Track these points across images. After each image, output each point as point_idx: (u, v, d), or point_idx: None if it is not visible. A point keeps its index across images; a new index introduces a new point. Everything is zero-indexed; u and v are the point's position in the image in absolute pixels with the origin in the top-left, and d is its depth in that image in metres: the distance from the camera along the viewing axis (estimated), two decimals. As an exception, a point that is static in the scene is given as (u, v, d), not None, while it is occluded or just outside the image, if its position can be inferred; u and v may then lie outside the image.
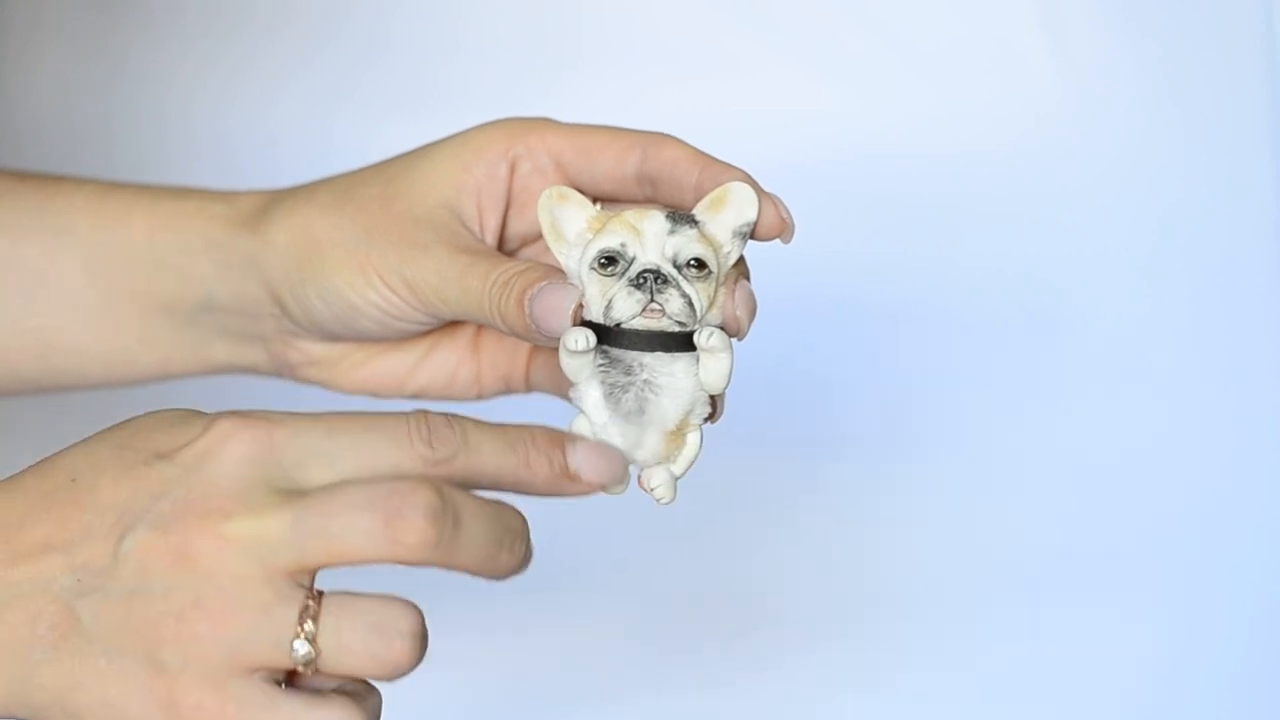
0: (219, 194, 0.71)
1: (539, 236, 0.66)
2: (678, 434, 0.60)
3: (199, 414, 0.55)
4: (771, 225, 0.61)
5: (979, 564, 1.03)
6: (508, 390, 0.70)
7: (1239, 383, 1.05)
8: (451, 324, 0.69)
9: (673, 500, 0.60)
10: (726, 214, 0.61)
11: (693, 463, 0.61)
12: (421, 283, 0.64)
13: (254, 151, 1.02)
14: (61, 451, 0.56)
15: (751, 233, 0.61)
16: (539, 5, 1.04)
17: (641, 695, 0.99)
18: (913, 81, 1.05)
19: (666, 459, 0.60)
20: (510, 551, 0.55)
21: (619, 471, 0.57)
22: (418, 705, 0.98)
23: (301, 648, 0.52)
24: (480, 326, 0.69)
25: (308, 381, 0.71)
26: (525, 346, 0.69)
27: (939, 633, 1.02)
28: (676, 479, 0.61)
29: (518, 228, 0.67)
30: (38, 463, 0.56)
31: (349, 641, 0.53)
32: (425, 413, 0.54)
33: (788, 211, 0.62)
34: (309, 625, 0.52)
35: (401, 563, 0.53)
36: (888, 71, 1.05)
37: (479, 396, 0.71)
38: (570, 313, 0.60)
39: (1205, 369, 1.05)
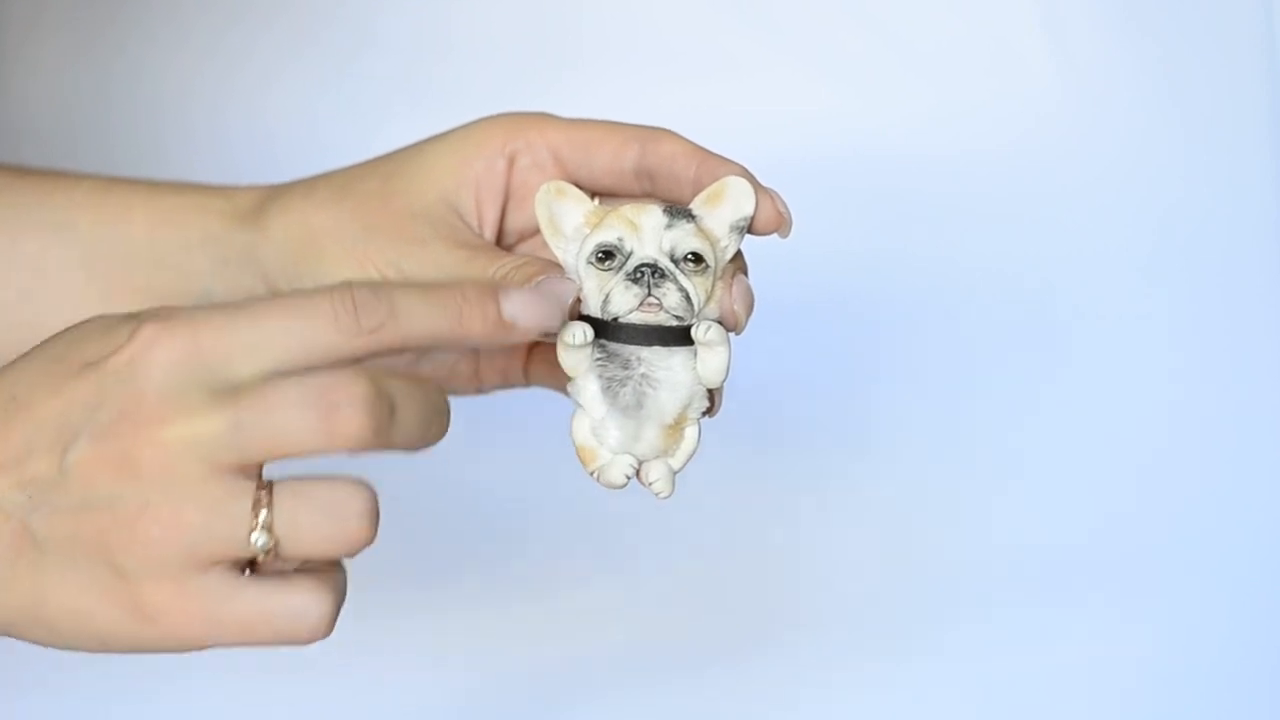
0: (217, 189, 0.72)
1: (537, 231, 0.66)
2: (676, 428, 0.60)
3: (125, 318, 0.55)
4: (769, 220, 0.61)
5: (978, 563, 1.03)
6: (506, 384, 0.71)
7: (1239, 382, 1.05)
8: None
9: (671, 494, 0.61)
10: (724, 208, 0.61)
11: (691, 456, 0.61)
12: (419, 277, 0.64)
13: (251, 146, 1.02)
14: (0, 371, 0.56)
15: (749, 227, 0.61)
16: (539, 3, 1.05)
17: (636, 694, 0.99)
18: (913, 81, 1.05)
19: (665, 453, 0.61)
20: (437, 428, 0.55)
21: (556, 314, 0.58)
22: (416, 705, 0.98)
23: (259, 538, 0.53)
24: None
25: None
26: (523, 346, 0.69)
27: (937, 631, 1.01)
28: (675, 473, 0.61)
29: (516, 222, 0.67)
30: None
31: (304, 526, 0.54)
32: (349, 285, 0.54)
33: (785, 206, 0.62)
34: (263, 514, 0.53)
35: (341, 452, 0.53)
36: (888, 71, 1.05)
37: (478, 391, 0.71)
38: (568, 307, 0.60)
39: (1205, 369, 1.05)
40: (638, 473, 0.61)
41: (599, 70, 1.05)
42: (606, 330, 0.60)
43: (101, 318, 0.56)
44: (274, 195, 0.69)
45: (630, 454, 0.60)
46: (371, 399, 0.53)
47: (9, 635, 0.56)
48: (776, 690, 1.00)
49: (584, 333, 0.59)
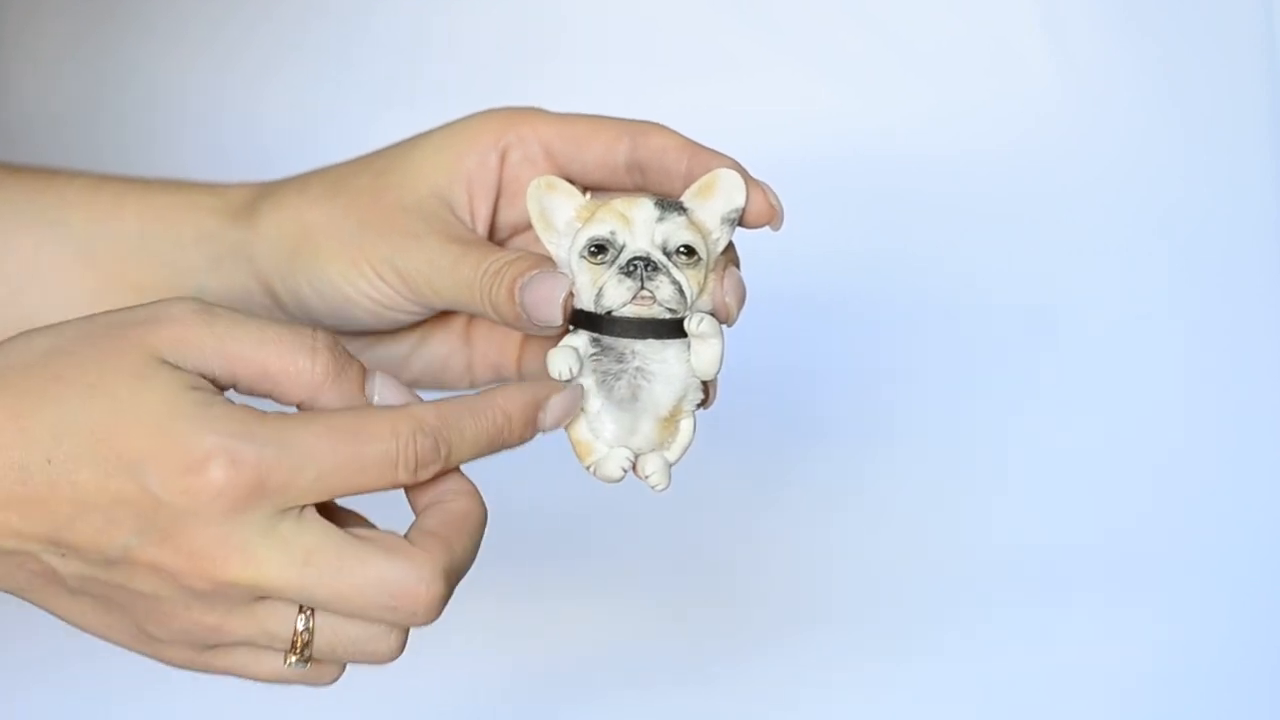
0: (210, 186, 0.72)
1: (529, 225, 0.66)
2: (671, 420, 0.60)
3: (184, 424, 0.54)
4: (761, 212, 0.61)
5: (977, 563, 1.03)
6: (499, 379, 0.71)
7: (1239, 381, 1.04)
8: (443, 314, 0.69)
9: (668, 486, 0.61)
10: (715, 200, 0.61)
11: (686, 449, 0.61)
12: (413, 273, 0.64)
13: (245, 143, 1.02)
14: (21, 400, 0.55)
15: (740, 219, 0.61)
16: (537, 2, 1.05)
17: (637, 694, 0.99)
18: (913, 81, 1.05)
19: (660, 446, 0.61)
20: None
21: (576, 406, 0.60)
22: (416, 706, 0.98)
23: (292, 661, 0.56)
24: (472, 316, 0.69)
25: None
26: (516, 335, 0.69)
27: (937, 631, 1.01)
28: (671, 465, 0.61)
29: (509, 217, 0.67)
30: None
31: (338, 654, 0.56)
32: (414, 437, 0.55)
33: (777, 199, 0.62)
34: (301, 641, 0.55)
35: None
36: (888, 71, 1.05)
37: (471, 385, 0.71)
38: (561, 302, 0.60)
39: (1205, 368, 1.05)
40: (634, 466, 0.61)
41: (598, 69, 1.05)
42: (600, 324, 0.60)
43: (153, 398, 0.54)
44: (266, 192, 0.69)
45: (626, 447, 0.60)
46: (445, 596, 0.56)
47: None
48: (777, 690, 1.00)
49: (570, 369, 0.60)
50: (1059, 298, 1.05)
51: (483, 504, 0.58)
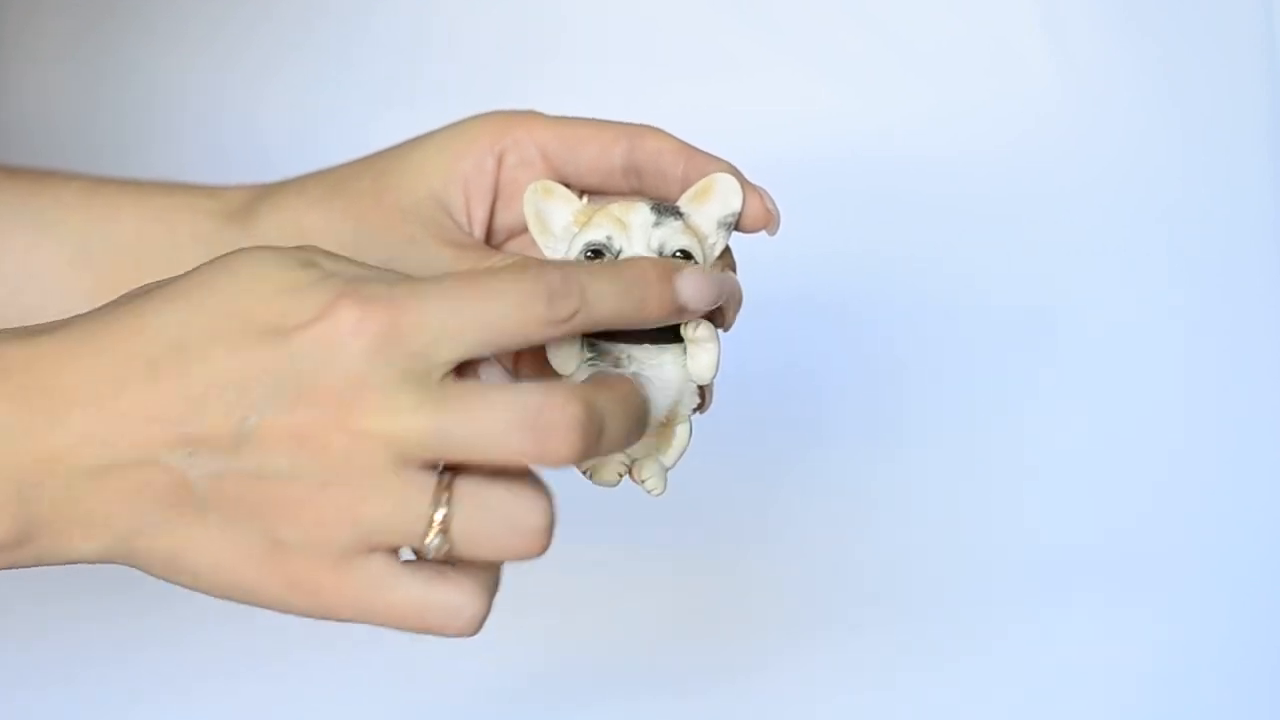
0: (207, 188, 0.72)
1: (526, 229, 0.66)
2: (667, 426, 0.60)
3: (308, 281, 0.53)
4: (757, 217, 0.61)
5: (977, 563, 1.03)
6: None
7: (1239, 381, 1.04)
8: None
9: (664, 491, 0.61)
10: (711, 205, 0.61)
11: (683, 453, 0.61)
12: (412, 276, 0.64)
13: (243, 144, 1.02)
14: (143, 304, 0.54)
15: (736, 224, 0.61)
16: (536, 2, 1.05)
17: (636, 694, 0.99)
18: (913, 81, 1.05)
19: (656, 451, 0.61)
20: (636, 436, 0.56)
21: (719, 295, 0.58)
22: (417, 706, 0.98)
23: (434, 541, 0.52)
24: None
25: None
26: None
27: (936, 631, 1.01)
28: (667, 470, 0.61)
29: (505, 220, 0.67)
30: (108, 313, 0.54)
31: (481, 534, 0.53)
32: (542, 269, 0.53)
33: (773, 203, 0.62)
34: (442, 514, 0.52)
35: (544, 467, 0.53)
36: (888, 71, 1.05)
37: None
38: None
39: (1205, 369, 1.05)
40: (630, 471, 0.61)
41: (597, 69, 1.05)
42: (629, 336, 0.60)
43: (277, 264, 0.53)
44: (264, 194, 0.69)
45: (622, 452, 0.60)
46: (585, 422, 0.52)
47: (134, 567, 0.55)
48: (779, 692, 1.00)
49: (573, 362, 0.59)
50: (1058, 298, 1.05)
51: (642, 392, 0.56)
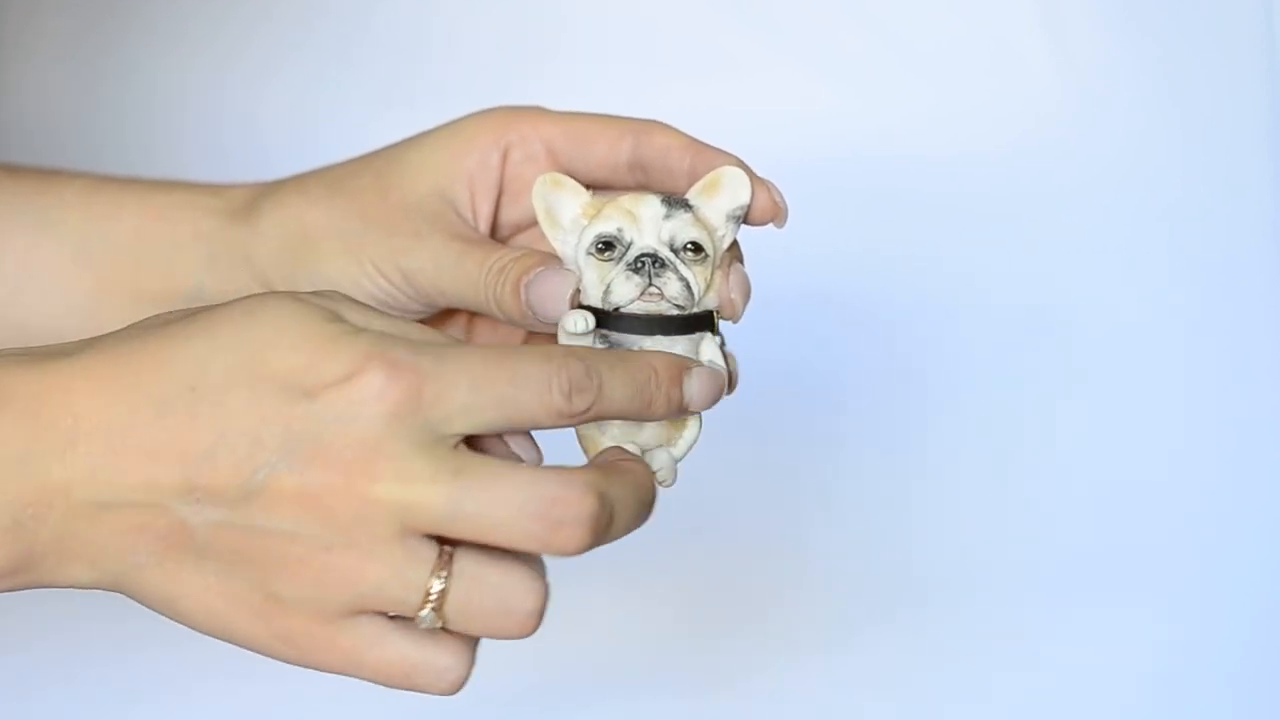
0: (208, 187, 0.72)
1: (532, 224, 0.66)
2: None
3: (335, 337, 0.53)
4: (765, 209, 0.62)
5: (977, 561, 1.02)
6: None
7: (1239, 382, 1.04)
8: (444, 313, 0.69)
9: (673, 483, 0.61)
10: (720, 198, 0.61)
11: (692, 446, 0.61)
12: (417, 271, 0.64)
13: (244, 143, 1.02)
14: (162, 339, 0.53)
15: (745, 217, 0.62)
16: (537, 2, 1.05)
17: (641, 694, 0.99)
18: (913, 81, 1.05)
19: (666, 443, 0.61)
20: (643, 521, 0.56)
21: (720, 392, 0.59)
22: (417, 706, 0.98)
23: (427, 615, 0.53)
24: (473, 315, 0.69)
25: None
26: (520, 334, 0.69)
27: (935, 629, 1.01)
28: (676, 462, 0.61)
29: (510, 215, 0.67)
30: (125, 344, 0.53)
31: (474, 611, 0.53)
32: (566, 359, 0.54)
33: (781, 196, 0.62)
34: (437, 587, 0.53)
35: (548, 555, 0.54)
36: (888, 71, 1.05)
37: None
38: (568, 298, 0.60)
39: (1205, 368, 1.05)
40: None
41: (598, 69, 1.05)
42: (608, 320, 0.60)
43: (306, 322, 0.53)
44: (266, 192, 0.69)
45: (633, 443, 0.60)
46: (598, 517, 0.53)
47: (129, 597, 0.55)
48: (782, 691, 1.00)
49: (585, 320, 0.59)
50: (1059, 297, 1.05)
51: (652, 478, 0.57)
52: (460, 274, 0.63)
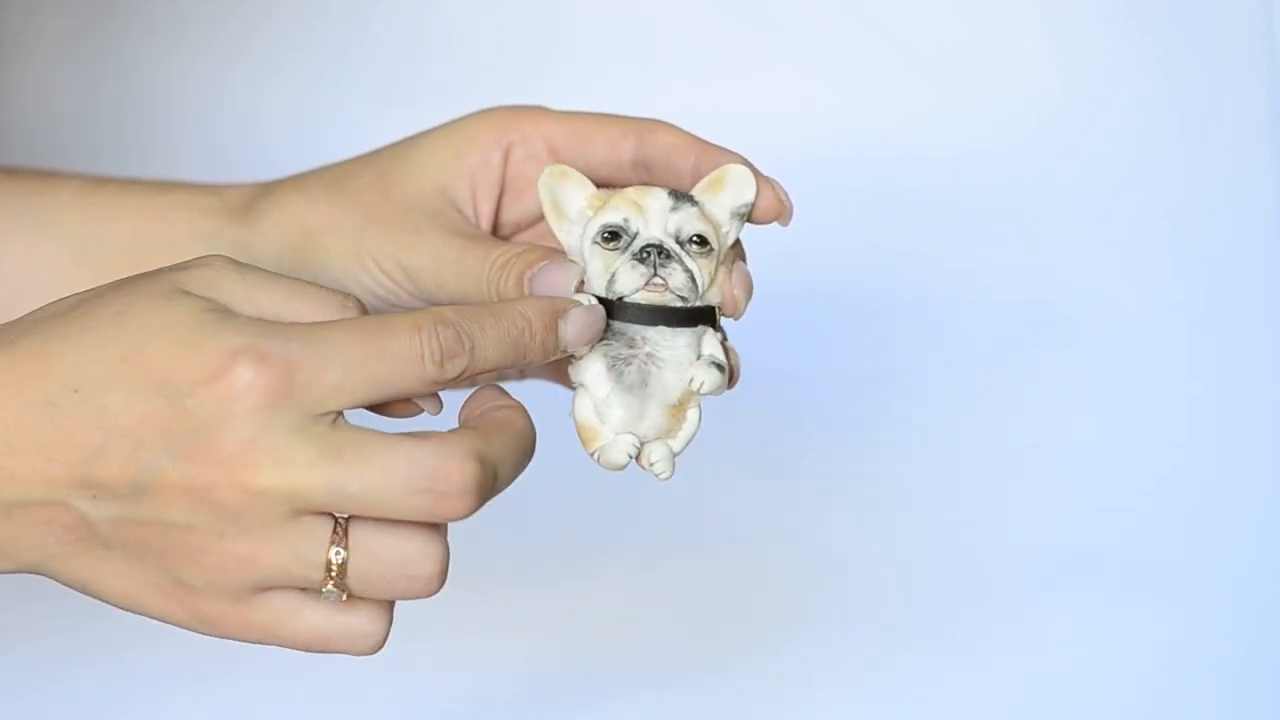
0: (207, 187, 0.72)
1: (533, 223, 0.67)
2: (679, 408, 0.61)
3: (209, 333, 0.53)
4: (770, 207, 0.62)
5: (977, 562, 1.02)
6: (501, 378, 0.71)
7: (1240, 381, 1.04)
8: None
9: (671, 475, 0.61)
10: (725, 195, 0.62)
11: (691, 439, 0.61)
12: (418, 268, 0.64)
13: (244, 143, 1.02)
14: (46, 338, 0.55)
15: (749, 214, 0.62)
16: (537, 1, 1.05)
17: (635, 688, 0.99)
18: (913, 81, 1.05)
19: (667, 434, 0.61)
20: (525, 466, 0.57)
21: (600, 325, 0.59)
22: (418, 706, 0.98)
23: (330, 591, 0.54)
24: None
25: None
26: None
27: (936, 629, 1.01)
28: (675, 455, 0.61)
29: (512, 214, 0.67)
30: (14, 343, 0.55)
31: (374, 579, 0.54)
32: (435, 327, 0.54)
33: (786, 194, 0.62)
34: (336, 560, 0.54)
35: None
36: (888, 71, 1.05)
37: (471, 384, 0.71)
38: (573, 289, 0.60)
39: (1206, 368, 1.05)
40: (638, 456, 0.61)
41: (598, 69, 1.05)
42: (612, 309, 0.60)
43: (177, 316, 0.54)
44: (266, 192, 0.69)
45: (633, 434, 0.60)
46: (480, 480, 0.54)
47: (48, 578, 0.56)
48: (780, 689, 1.00)
49: (589, 301, 0.60)
50: (1059, 297, 1.05)
51: (529, 421, 0.57)
52: (462, 269, 0.63)
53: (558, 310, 0.58)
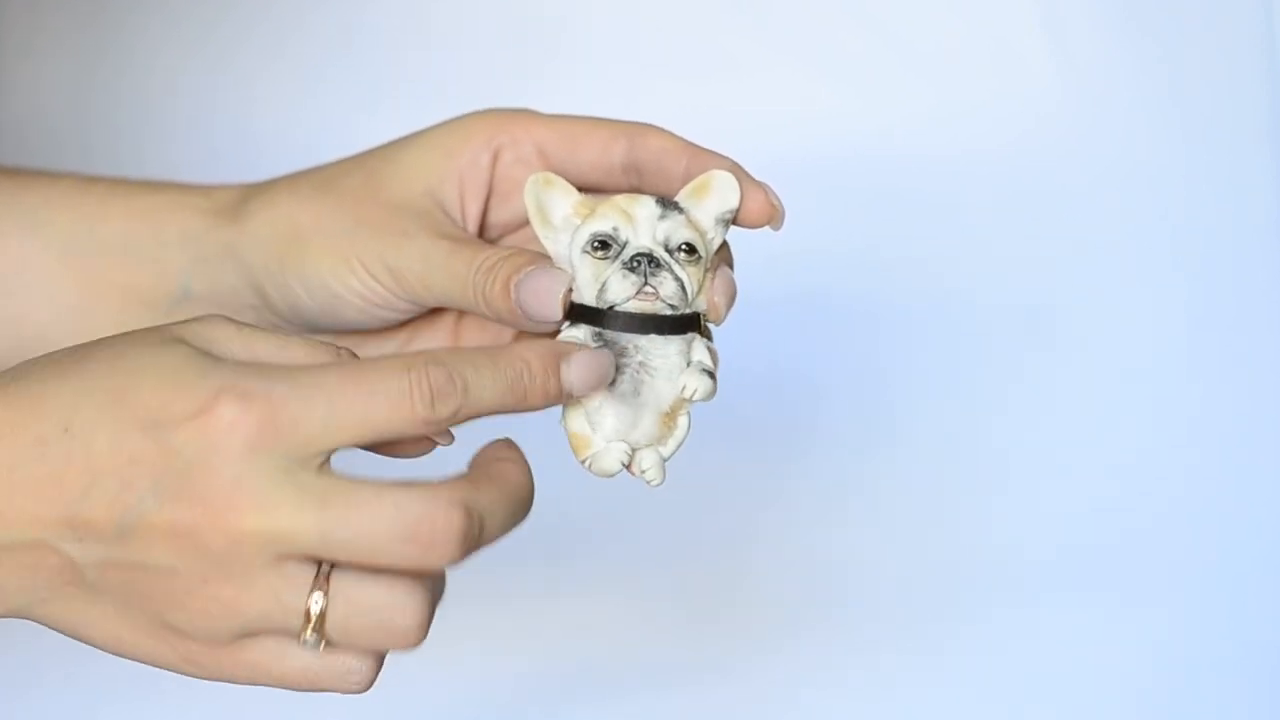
0: (197, 187, 0.72)
1: (520, 226, 0.67)
2: (671, 415, 0.61)
3: (196, 374, 0.54)
4: (761, 211, 0.62)
5: (977, 562, 1.02)
6: None
7: (1240, 381, 1.04)
8: (432, 312, 0.69)
9: (662, 482, 0.61)
10: (710, 200, 0.62)
11: (681, 444, 0.61)
12: (406, 270, 0.64)
13: (235, 145, 1.02)
14: (42, 380, 0.55)
15: (734, 219, 0.62)
16: (535, 2, 1.05)
17: (634, 691, 0.99)
18: (913, 81, 1.05)
19: (659, 441, 0.61)
20: (520, 521, 0.57)
21: (607, 372, 0.58)
22: (417, 706, 0.98)
23: (310, 638, 0.54)
24: (461, 314, 0.70)
25: None
26: (509, 332, 0.69)
27: (937, 629, 1.01)
28: (666, 461, 0.61)
29: (499, 217, 0.67)
30: (8, 386, 0.55)
31: (355, 629, 0.54)
32: (426, 368, 0.54)
33: (777, 198, 0.62)
34: (317, 607, 0.54)
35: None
36: (888, 71, 1.05)
37: None
38: (560, 296, 0.60)
39: (1206, 368, 1.04)
40: (629, 462, 0.61)
41: (597, 69, 1.05)
42: (602, 318, 0.60)
43: (167, 358, 0.54)
44: (255, 192, 0.69)
45: (625, 441, 0.60)
46: (466, 530, 0.53)
47: (36, 623, 0.56)
48: (780, 690, 1.00)
49: (582, 340, 0.60)
50: (1059, 296, 1.05)
51: (527, 476, 0.57)
52: (449, 272, 0.63)
53: (559, 354, 0.57)
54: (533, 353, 0.57)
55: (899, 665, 1.00)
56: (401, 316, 0.67)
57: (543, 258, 0.61)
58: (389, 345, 0.70)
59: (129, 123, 1.04)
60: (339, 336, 0.69)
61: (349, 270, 0.65)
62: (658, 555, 1.01)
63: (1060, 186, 1.05)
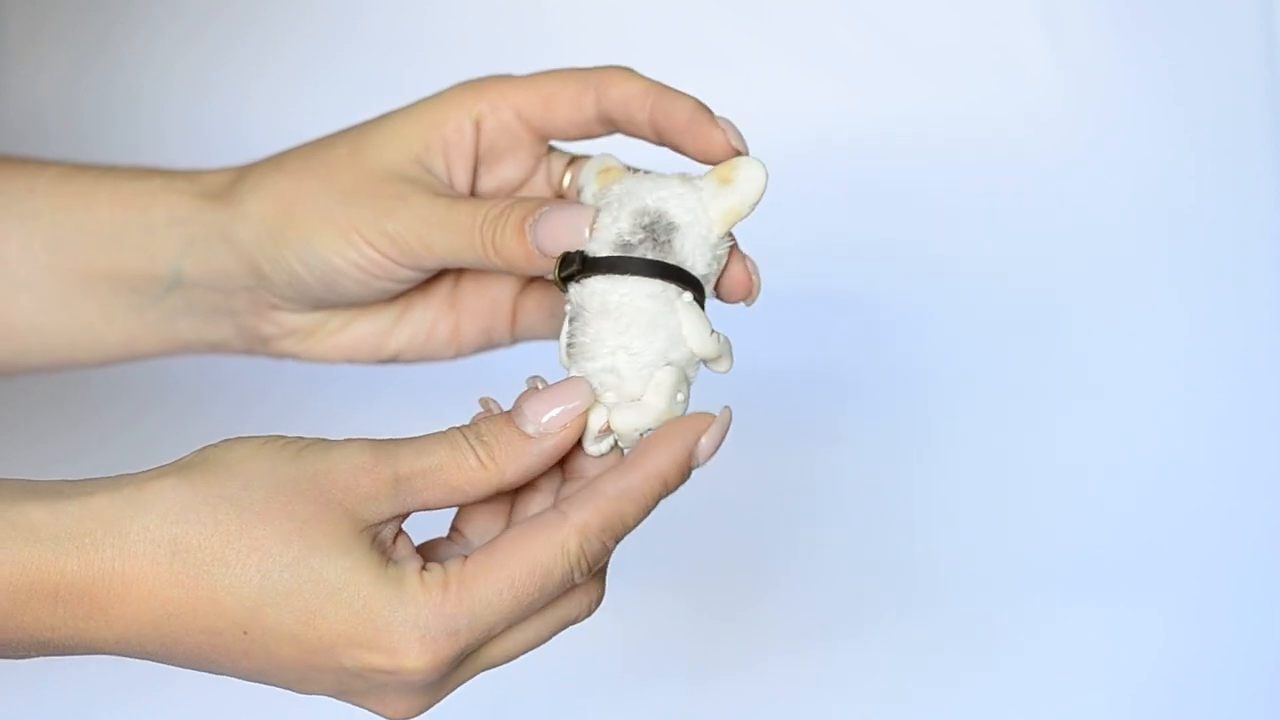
0: (183, 172, 0.71)
1: (509, 193, 0.67)
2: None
3: (382, 620, 0.56)
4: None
5: (981, 560, 1.02)
6: (489, 345, 0.71)
7: (1241, 381, 1.04)
8: (427, 282, 0.69)
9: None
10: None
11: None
12: (405, 232, 0.64)
13: (228, 140, 1.02)
14: (220, 580, 0.55)
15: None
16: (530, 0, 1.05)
17: (649, 689, 0.99)
18: (912, 80, 1.06)
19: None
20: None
21: (725, 434, 0.59)
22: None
23: None
24: (457, 280, 0.70)
25: (282, 355, 0.71)
26: (509, 294, 0.69)
27: (937, 629, 1.01)
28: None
29: (488, 184, 0.67)
30: (179, 554, 0.55)
31: None
32: (582, 547, 0.57)
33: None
34: None
35: None
36: (887, 70, 1.05)
37: (458, 354, 0.71)
38: (585, 227, 0.60)
39: (1207, 368, 1.04)
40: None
41: (592, 64, 1.05)
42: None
43: (352, 572, 0.56)
44: (243, 174, 0.69)
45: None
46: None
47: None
48: (791, 691, 1.00)
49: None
50: (1059, 296, 1.05)
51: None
52: (451, 225, 0.63)
53: (689, 450, 0.58)
54: (668, 464, 0.58)
55: (911, 666, 1.00)
56: (401, 286, 0.67)
57: (555, 199, 0.62)
58: (384, 319, 0.70)
59: (123, 118, 1.04)
60: (334, 313, 0.69)
61: (346, 242, 0.65)
62: (672, 553, 1.01)
63: (1061, 186, 1.06)
